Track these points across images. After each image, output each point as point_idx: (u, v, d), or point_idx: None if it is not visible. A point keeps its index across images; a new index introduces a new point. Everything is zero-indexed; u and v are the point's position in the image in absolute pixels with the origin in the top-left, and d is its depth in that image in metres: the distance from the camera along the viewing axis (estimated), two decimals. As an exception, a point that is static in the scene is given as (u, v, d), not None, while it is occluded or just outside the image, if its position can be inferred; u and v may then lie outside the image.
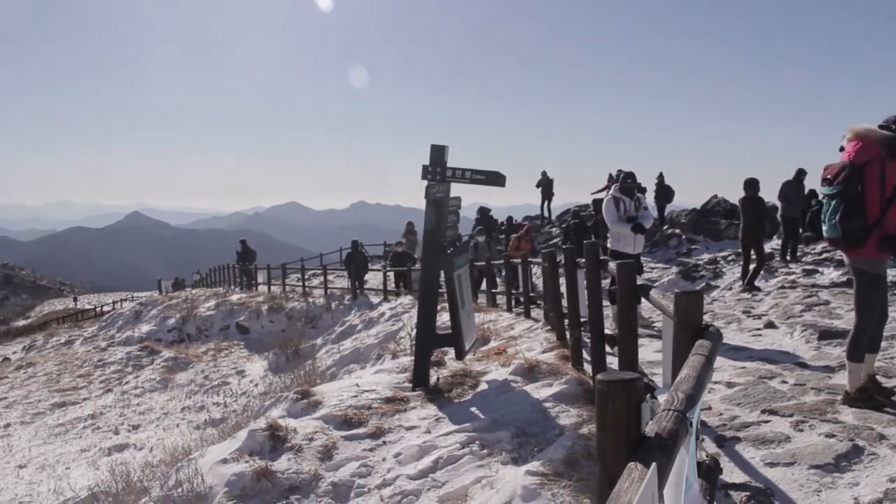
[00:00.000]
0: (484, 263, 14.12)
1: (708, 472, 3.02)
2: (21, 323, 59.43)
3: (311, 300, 20.17)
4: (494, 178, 6.59)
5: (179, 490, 5.13)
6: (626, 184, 9.43)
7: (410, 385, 6.72)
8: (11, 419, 14.83)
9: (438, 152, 6.60)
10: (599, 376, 1.93)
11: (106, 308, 45.51)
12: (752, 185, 12.31)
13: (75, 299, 73.67)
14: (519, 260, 11.98)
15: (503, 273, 14.33)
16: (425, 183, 6.63)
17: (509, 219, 19.82)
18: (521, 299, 11.93)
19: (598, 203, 14.78)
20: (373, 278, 20.35)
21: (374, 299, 18.03)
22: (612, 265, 5.18)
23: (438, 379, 6.84)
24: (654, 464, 1.63)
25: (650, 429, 1.89)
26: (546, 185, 25.36)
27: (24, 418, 14.84)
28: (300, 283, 22.42)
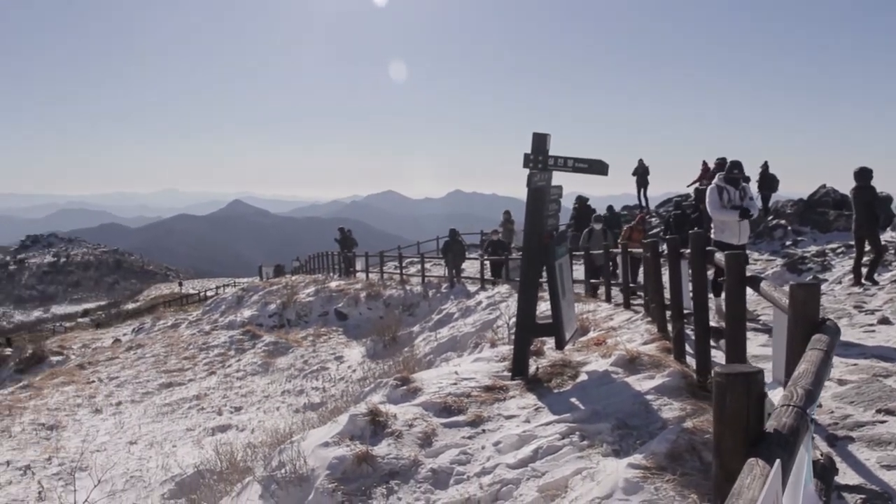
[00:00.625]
0: (601, 252, 13.22)
1: (823, 471, 2.92)
2: (130, 306, 61.84)
3: (408, 288, 20.33)
4: (597, 167, 6.50)
5: (283, 471, 5.25)
6: (732, 174, 9.15)
7: (509, 374, 6.70)
8: (123, 398, 15.44)
9: (540, 140, 6.54)
10: (717, 369, 1.87)
11: (209, 293, 46.89)
12: (864, 175, 11.79)
13: (180, 284, 76.28)
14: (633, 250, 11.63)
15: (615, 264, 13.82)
16: (524, 171, 6.59)
17: (610, 208, 19.54)
18: (621, 290, 11.73)
19: (700, 193, 14.35)
20: (470, 267, 20.37)
21: (471, 288, 18.05)
22: (719, 256, 5.04)
23: (538, 368, 6.80)
24: (777, 460, 1.57)
25: (769, 424, 1.83)
26: (642, 173, 25.00)
27: (134, 397, 15.43)
28: (397, 271, 22.64)
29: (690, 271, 6.17)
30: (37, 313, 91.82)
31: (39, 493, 9.23)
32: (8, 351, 24.34)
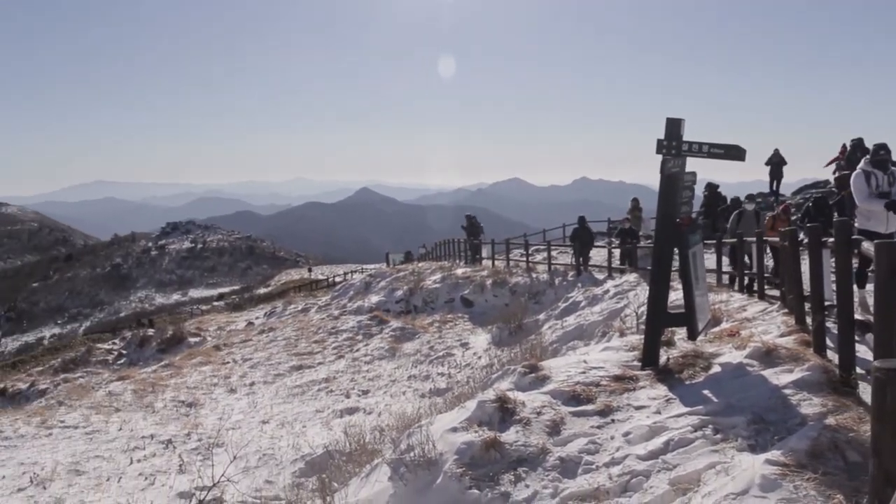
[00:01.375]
0: (754, 239, 12.04)
1: None
2: (262, 291, 63.96)
3: (534, 276, 20.24)
4: (734, 153, 6.27)
5: (411, 454, 5.30)
6: (878, 156, 8.56)
7: (639, 364, 6.57)
8: (256, 378, 15.99)
9: (674, 126, 6.37)
10: (876, 363, 1.76)
11: (338, 279, 47.93)
12: None
13: (310, 270, 78.32)
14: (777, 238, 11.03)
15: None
16: (652, 159, 6.44)
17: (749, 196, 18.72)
18: (754, 279, 11.30)
19: (842, 179, 13.56)
20: (597, 255, 20.11)
21: (599, 276, 17.82)
22: (867, 245, 4.78)
23: (668, 359, 6.64)
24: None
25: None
26: (776, 165, 23.70)
27: (266, 378, 15.95)
28: (523, 259, 22.55)
29: (833, 261, 5.89)
30: (176, 296, 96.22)
31: (180, 465, 9.65)
32: (150, 332, 25.60)
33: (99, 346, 25.80)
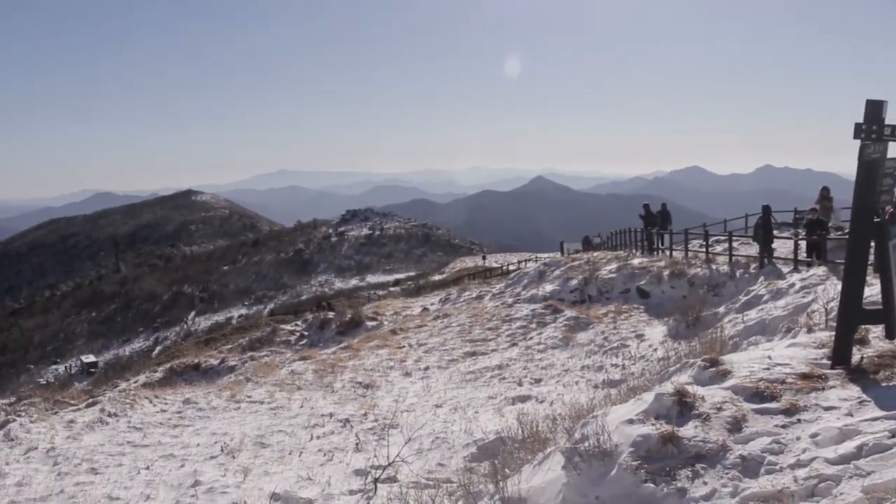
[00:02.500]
0: None
1: None
2: (437, 277, 65.08)
3: (713, 267, 19.54)
4: (944, 137, 5.79)
5: (585, 444, 5.22)
6: None
7: (828, 362, 6.19)
8: (430, 363, 16.30)
9: (875, 108, 5.94)
10: None
11: (511, 267, 48.09)
12: None
13: (484, 258, 79.03)
14: None
15: None
16: (843, 146, 6.03)
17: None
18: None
19: None
20: (781, 246, 19.16)
21: (783, 269, 16.98)
22: None
23: (862, 358, 6.22)
24: None
25: None
26: None
27: (440, 363, 16.22)
28: (703, 250, 21.82)
29: None
30: (353, 281, 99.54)
31: (357, 444, 9.96)
32: (330, 315, 26.58)
33: (282, 327, 27.06)
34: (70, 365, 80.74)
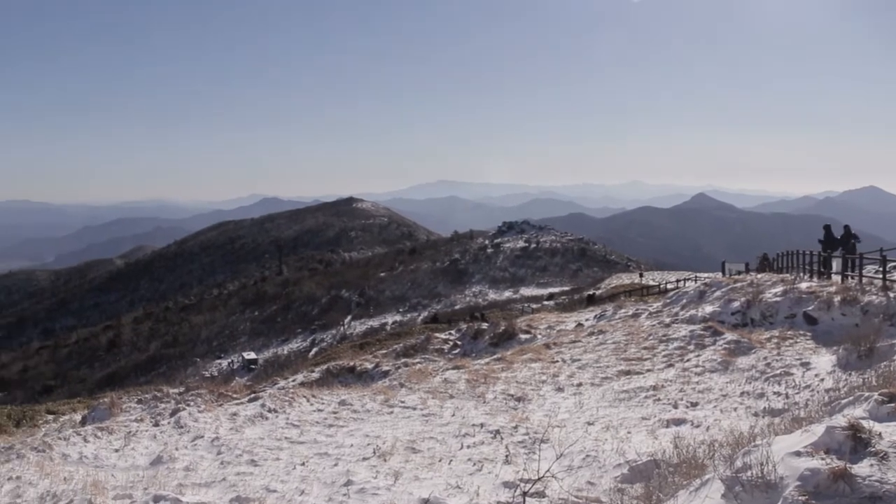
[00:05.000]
0: None
1: None
2: (592, 293, 64.33)
3: (891, 295, 18.38)
4: None
5: (747, 474, 5.00)
6: None
7: None
8: (583, 379, 16.07)
9: None
10: None
11: (669, 285, 46.96)
12: None
13: (641, 275, 77.57)
14: None
15: None
16: None
17: None
18: None
19: None
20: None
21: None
22: None
23: None
24: None
25: None
26: None
27: (593, 380, 15.97)
28: (879, 276, 20.55)
29: None
30: (507, 293, 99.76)
31: (506, 456, 9.92)
32: (484, 325, 26.72)
33: (436, 335, 27.40)
34: (233, 360, 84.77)
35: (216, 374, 73.49)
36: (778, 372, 15.03)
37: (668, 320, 21.79)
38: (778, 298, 20.52)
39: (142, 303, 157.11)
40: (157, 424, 13.96)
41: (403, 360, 23.15)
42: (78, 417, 19.93)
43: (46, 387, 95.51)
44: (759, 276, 27.14)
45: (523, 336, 23.83)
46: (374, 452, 10.35)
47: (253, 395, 15.80)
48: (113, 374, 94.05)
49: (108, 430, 13.63)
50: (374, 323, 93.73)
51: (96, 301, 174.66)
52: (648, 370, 16.53)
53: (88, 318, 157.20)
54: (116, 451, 12.07)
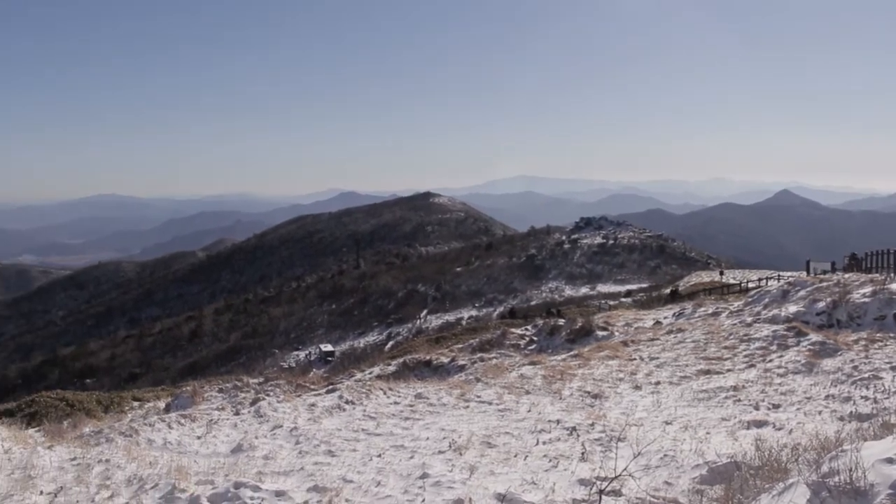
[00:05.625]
0: None
1: None
2: (670, 290, 63.39)
3: None
4: None
5: (834, 479, 4.85)
6: None
7: None
8: (661, 378, 15.84)
9: None
10: None
11: (750, 284, 45.95)
12: None
13: (721, 273, 76.08)
14: None
15: None
16: None
17: None
18: None
19: None
20: None
21: None
22: None
23: None
24: None
25: None
26: None
27: (672, 379, 15.72)
28: (973, 278, 19.82)
29: None
30: (584, 290, 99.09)
31: (582, 453, 9.84)
32: (561, 321, 26.55)
33: (512, 330, 27.32)
34: (310, 352, 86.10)
35: (294, 365, 74.75)
36: (866, 375, 14.57)
37: (749, 319, 21.33)
38: (866, 299, 19.89)
39: (223, 294, 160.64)
40: (237, 413, 14.27)
41: (479, 354, 23.15)
42: (162, 405, 20.47)
43: (132, 374, 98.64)
44: (846, 275, 26.36)
45: (600, 333, 23.60)
46: (450, 446, 10.38)
47: (331, 387, 16.02)
48: (194, 364, 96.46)
49: (191, 417, 14.00)
50: (449, 317, 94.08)
51: (179, 292, 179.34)
52: (729, 370, 16.21)
53: (172, 309, 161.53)
54: (199, 438, 12.38)
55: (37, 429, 16.66)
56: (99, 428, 15.28)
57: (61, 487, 8.60)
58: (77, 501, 8.08)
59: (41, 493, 8.39)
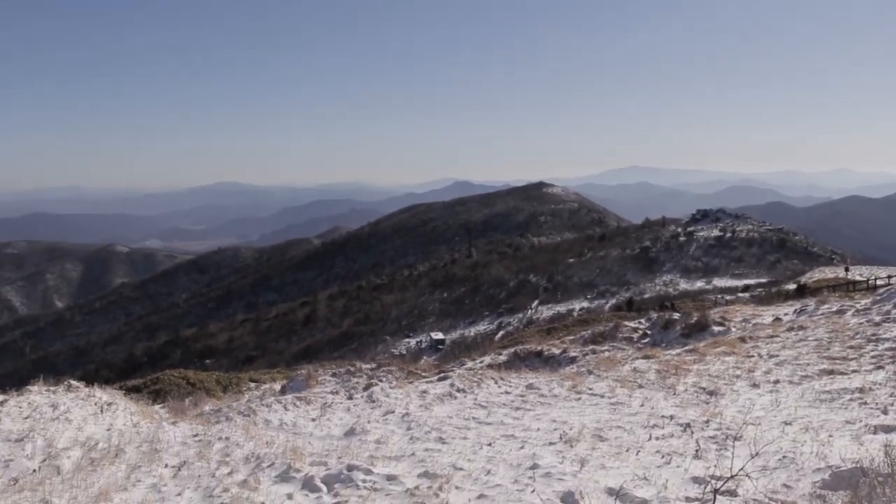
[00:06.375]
0: None
1: None
2: (791, 286, 61.26)
3: None
4: None
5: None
6: None
7: None
8: (781, 377, 15.31)
9: None
10: None
11: (879, 282, 43.99)
12: None
13: (846, 269, 73.05)
14: None
15: None
16: None
17: None
18: None
19: None
20: None
21: None
22: None
23: None
24: None
25: None
26: None
27: (792, 378, 15.18)
28: None
29: None
30: (699, 283, 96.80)
31: (696, 451, 9.61)
32: (675, 315, 26.00)
33: (625, 323, 26.92)
34: (421, 340, 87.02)
35: (404, 352, 75.77)
36: None
37: (877, 319, 20.39)
38: None
39: (336, 281, 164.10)
40: (350, 398, 14.55)
41: (591, 346, 22.92)
42: (277, 387, 21.03)
43: (248, 356, 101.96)
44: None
45: (716, 328, 23.01)
46: (561, 438, 10.31)
47: (442, 375, 16.15)
48: (308, 348, 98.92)
49: (306, 400, 14.36)
50: (560, 308, 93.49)
51: (295, 278, 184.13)
52: (854, 371, 15.54)
53: (287, 294, 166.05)
54: (313, 420, 12.67)
55: (161, 405, 17.42)
56: (218, 407, 15.86)
57: (184, 462, 8.96)
58: (199, 476, 8.39)
59: (166, 465, 8.77)
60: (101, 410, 11.68)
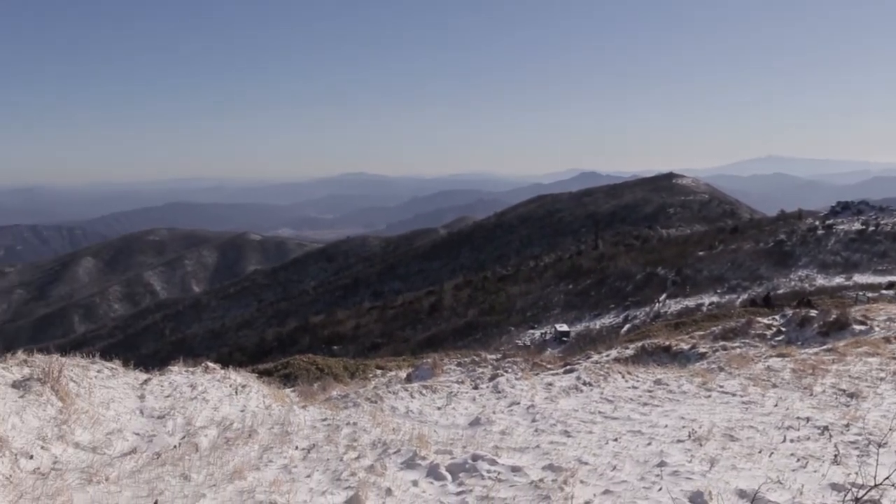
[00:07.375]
0: None
1: None
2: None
3: None
4: None
5: None
6: None
7: None
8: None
9: None
10: None
11: None
12: None
13: None
14: None
15: None
16: None
17: None
18: None
19: None
20: None
21: None
22: None
23: None
24: None
25: None
26: None
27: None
28: None
29: None
30: (838, 279, 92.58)
31: (835, 455, 9.19)
32: (812, 312, 24.96)
33: (758, 319, 26.06)
34: (545, 331, 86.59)
35: (528, 343, 75.60)
36: None
37: None
38: None
39: (462, 271, 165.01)
40: (476, 388, 14.60)
41: (721, 343, 22.28)
42: (403, 374, 21.35)
43: (374, 344, 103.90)
44: None
45: (857, 327, 21.95)
46: (689, 436, 10.05)
47: (568, 367, 16.02)
48: (432, 337, 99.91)
49: (432, 388, 14.50)
50: (689, 303, 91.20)
51: (420, 268, 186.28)
52: None
53: (413, 283, 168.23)
54: (438, 408, 12.78)
55: (291, 389, 17.97)
56: (346, 392, 16.22)
57: (314, 445, 9.20)
58: (327, 459, 8.59)
59: (296, 448, 9.03)
60: (236, 392, 12.15)
